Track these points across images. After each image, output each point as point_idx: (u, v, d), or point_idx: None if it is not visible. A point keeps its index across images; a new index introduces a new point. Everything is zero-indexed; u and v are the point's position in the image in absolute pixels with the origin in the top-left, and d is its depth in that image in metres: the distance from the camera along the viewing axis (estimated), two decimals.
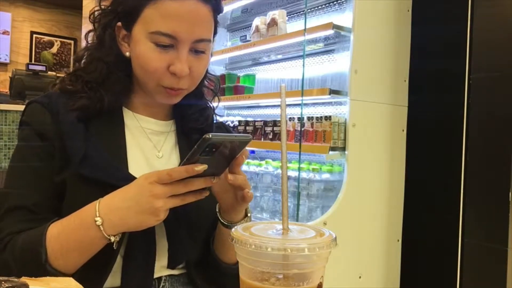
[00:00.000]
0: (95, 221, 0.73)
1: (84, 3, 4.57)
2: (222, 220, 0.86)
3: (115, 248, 0.77)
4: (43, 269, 0.74)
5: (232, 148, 0.73)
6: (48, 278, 0.55)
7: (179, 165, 0.72)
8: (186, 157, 0.71)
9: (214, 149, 0.69)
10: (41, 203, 0.82)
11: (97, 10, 0.92)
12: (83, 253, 0.76)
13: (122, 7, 0.87)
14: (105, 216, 0.73)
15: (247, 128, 2.39)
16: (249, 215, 0.87)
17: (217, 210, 0.87)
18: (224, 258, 0.93)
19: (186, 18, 0.81)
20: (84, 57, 0.93)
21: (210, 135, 0.66)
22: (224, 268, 0.92)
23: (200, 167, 0.70)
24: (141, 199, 0.71)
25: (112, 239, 0.75)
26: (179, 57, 0.83)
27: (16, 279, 0.51)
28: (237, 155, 0.76)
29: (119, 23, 0.88)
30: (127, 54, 0.89)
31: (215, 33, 0.92)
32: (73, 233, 0.75)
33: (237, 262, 0.90)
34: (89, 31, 0.94)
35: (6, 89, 4.92)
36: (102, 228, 0.73)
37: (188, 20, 0.82)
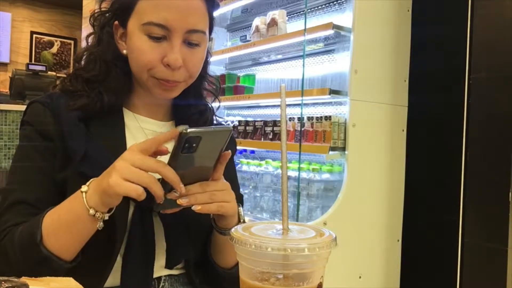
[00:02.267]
0: (81, 188, 0.74)
1: (84, 3, 4.57)
2: (215, 227, 0.87)
3: (99, 228, 0.75)
4: (38, 250, 0.74)
5: (214, 141, 0.70)
6: (48, 278, 0.55)
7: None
8: (169, 158, 0.69)
9: (194, 144, 0.67)
10: (42, 198, 0.83)
11: (96, 12, 0.93)
12: (70, 229, 0.75)
13: (118, 4, 0.88)
14: (91, 186, 0.74)
15: (247, 128, 2.39)
16: (241, 220, 0.87)
17: (211, 217, 0.87)
18: (220, 263, 0.93)
19: (178, 7, 0.82)
20: (84, 57, 0.93)
21: (187, 130, 0.64)
22: (221, 272, 0.92)
23: (181, 127, 0.67)
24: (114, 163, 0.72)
25: (91, 211, 0.72)
26: (172, 48, 0.83)
27: (16, 279, 0.51)
28: (222, 148, 0.74)
29: (116, 22, 0.89)
30: (125, 52, 0.89)
31: (211, 29, 0.92)
32: (63, 207, 0.76)
33: (234, 266, 0.91)
34: (90, 34, 0.95)
35: (6, 89, 4.92)
36: (84, 196, 0.73)
37: (180, 10, 0.82)
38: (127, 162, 0.70)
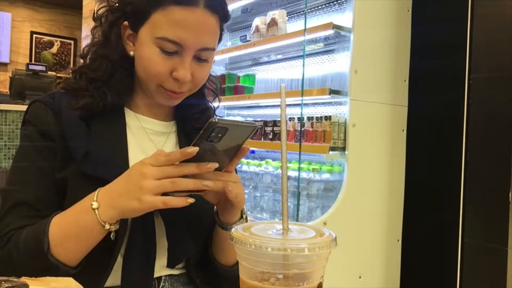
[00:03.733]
0: (91, 205, 0.74)
1: (84, 3, 4.58)
2: (218, 222, 0.87)
3: (112, 238, 0.77)
4: (45, 258, 0.74)
5: (238, 135, 0.72)
6: (48, 278, 0.55)
7: None
8: (192, 143, 0.71)
9: (220, 134, 0.69)
10: (44, 199, 0.83)
11: (104, 6, 0.92)
12: (80, 240, 0.76)
13: (131, 8, 0.87)
14: (101, 200, 0.74)
15: None
16: (244, 216, 0.87)
17: (214, 211, 0.87)
18: (221, 260, 0.93)
19: (194, 27, 0.82)
20: (89, 54, 0.93)
21: (216, 119, 0.66)
22: (222, 270, 0.92)
23: (191, 149, 0.69)
24: (131, 179, 0.72)
25: (107, 226, 0.74)
26: (183, 64, 0.83)
27: (16, 279, 0.51)
28: (242, 143, 0.75)
29: (126, 22, 0.89)
30: (132, 53, 0.89)
31: (219, 40, 0.92)
32: (72, 218, 0.76)
33: (235, 264, 0.91)
34: (95, 27, 0.94)
35: (6, 89, 4.92)
36: (97, 212, 0.73)
37: (195, 29, 0.82)
38: (150, 179, 0.71)
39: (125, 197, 0.73)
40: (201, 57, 0.86)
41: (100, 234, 0.76)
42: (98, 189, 0.76)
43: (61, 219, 0.77)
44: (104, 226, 0.74)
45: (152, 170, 0.71)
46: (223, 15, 0.87)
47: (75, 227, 0.75)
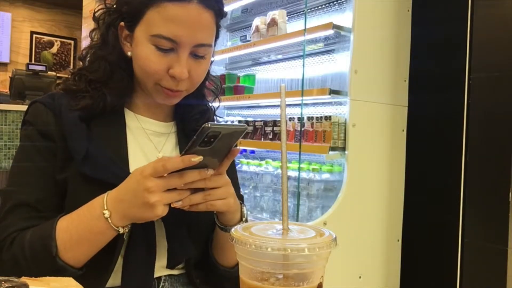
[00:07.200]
0: (103, 213, 0.74)
1: (84, 3, 4.58)
2: (217, 223, 0.87)
3: (125, 238, 0.78)
4: (54, 262, 0.75)
5: (229, 138, 0.73)
6: (48, 278, 0.55)
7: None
8: (185, 149, 0.71)
9: (212, 139, 0.69)
10: (44, 200, 0.83)
11: (102, 9, 0.92)
12: (92, 244, 0.77)
13: (126, 8, 0.87)
14: (113, 208, 0.75)
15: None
16: (243, 219, 0.87)
17: (214, 212, 0.87)
18: (221, 261, 0.93)
19: (188, 23, 0.81)
20: (88, 56, 0.93)
21: (209, 124, 0.66)
22: (222, 271, 0.92)
23: (196, 158, 0.69)
24: (137, 193, 0.72)
25: (121, 230, 0.76)
26: (179, 61, 0.83)
27: (16, 279, 0.51)
28: (233, 145, 0.76)
29: (122, 23, 0.89)
30: (129, 54, 0.89)
31: (217, 37, 0.92)
32: (83, 224, 0.76)
33: (235, 266, 0.91)
34: (94, 29, 0.94)
35: (6, 89, 4.91)
36: (110, 221, 0.74)
37: (190, 25, 0.82)
38: (156, 192, 0.71)
39: (136, 208, 0.73)
40: (198, 53, 0.86)
41: (112, 236, 0.77)
42: (106, 194, 0.76)
43: (70, 224, 0.77)
44: (118, 231, 0.76)
45: (157, 183, 0.71)
46: (218, 11, 0.86)
47: (87, 232, 0.76)
